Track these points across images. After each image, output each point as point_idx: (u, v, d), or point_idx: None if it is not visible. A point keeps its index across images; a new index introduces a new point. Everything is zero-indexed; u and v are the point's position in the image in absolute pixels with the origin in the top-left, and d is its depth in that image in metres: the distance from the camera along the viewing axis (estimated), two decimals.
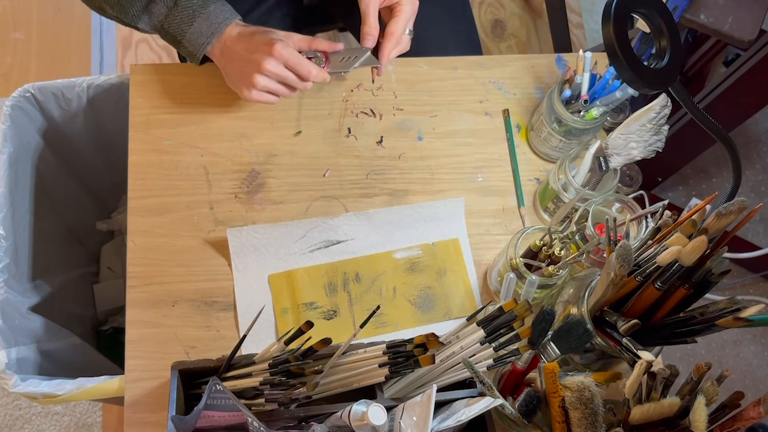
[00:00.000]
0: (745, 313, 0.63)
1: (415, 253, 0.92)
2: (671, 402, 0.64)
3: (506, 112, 1.01)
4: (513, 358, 0.66)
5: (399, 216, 0.92)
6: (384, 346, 0.68)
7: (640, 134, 0.81)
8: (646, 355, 0.64)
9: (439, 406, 0.71)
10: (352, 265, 0.90)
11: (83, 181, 1.28)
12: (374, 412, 0.63)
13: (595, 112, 0.89)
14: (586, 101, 0.89)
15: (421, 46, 1.08)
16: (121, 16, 0.85)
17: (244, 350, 0.77)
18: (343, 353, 0.70)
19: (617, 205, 0.85)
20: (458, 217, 0.94)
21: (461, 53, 1.07)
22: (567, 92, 0.90)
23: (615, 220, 0.76)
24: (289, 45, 0.84)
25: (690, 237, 0.63)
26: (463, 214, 0.94)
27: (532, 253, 0.82)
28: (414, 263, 0.91)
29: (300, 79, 0.85)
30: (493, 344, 0.65)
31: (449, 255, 0.92)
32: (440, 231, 0.93)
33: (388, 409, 0.67)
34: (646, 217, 0.82)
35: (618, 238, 0.75)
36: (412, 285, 0.90)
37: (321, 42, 0.88)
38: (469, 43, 1.13)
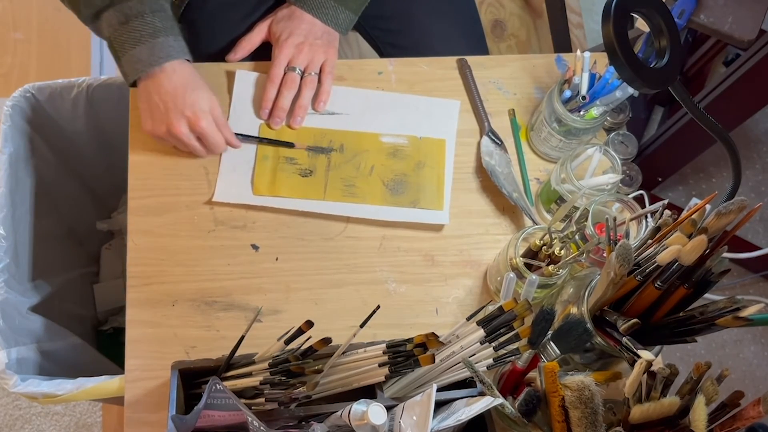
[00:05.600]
0: (745, 313, 0.63)
1: (401, 141, 0.96)
2: (671, 401, 0.64)
3: (512, 112, 1.01)
4: (513, 357, 0.66)
5: (396, 103, 0.98)
6: (384, 345, 0.68)
7: None
8: (645, 355, 0.64)
9: (439, 405, 0.71)
10: (340, 135, 0.95)
11: (83, 181, 1.28)
12: (374, 412, 0.63)
13: (594, 111, 0.89)
14: (584, 97, 0.89)
15: (426, 38, 1.08)
16: (75, 12, 0.85)
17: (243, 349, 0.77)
18: (343, 353, 0.70)
19: (617, 204, 0.85)
20: (451, 120, 0.99)
21: (466, 44, 1.07)
22: (567, 93, 0.90)
23: (615, 219, 0.76)
24: (211, 121, 0.85)
25: (690, 236, 0.64)
26: (457, 118, 0.99)
27: (532, 253, 0.82)
28: (397, 150, 0.96)
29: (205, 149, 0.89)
30: (493, 344, 0.65)
31: (432, 152, 0.96)
32: (430, 128, 0.98)
33: (388, 408, 0.67)
34: (646, 217, 0.82)
35: (618, 237, 0.75)
36: (390, 169, 0.95)
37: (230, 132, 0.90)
38: (473, 34, 1.13)
